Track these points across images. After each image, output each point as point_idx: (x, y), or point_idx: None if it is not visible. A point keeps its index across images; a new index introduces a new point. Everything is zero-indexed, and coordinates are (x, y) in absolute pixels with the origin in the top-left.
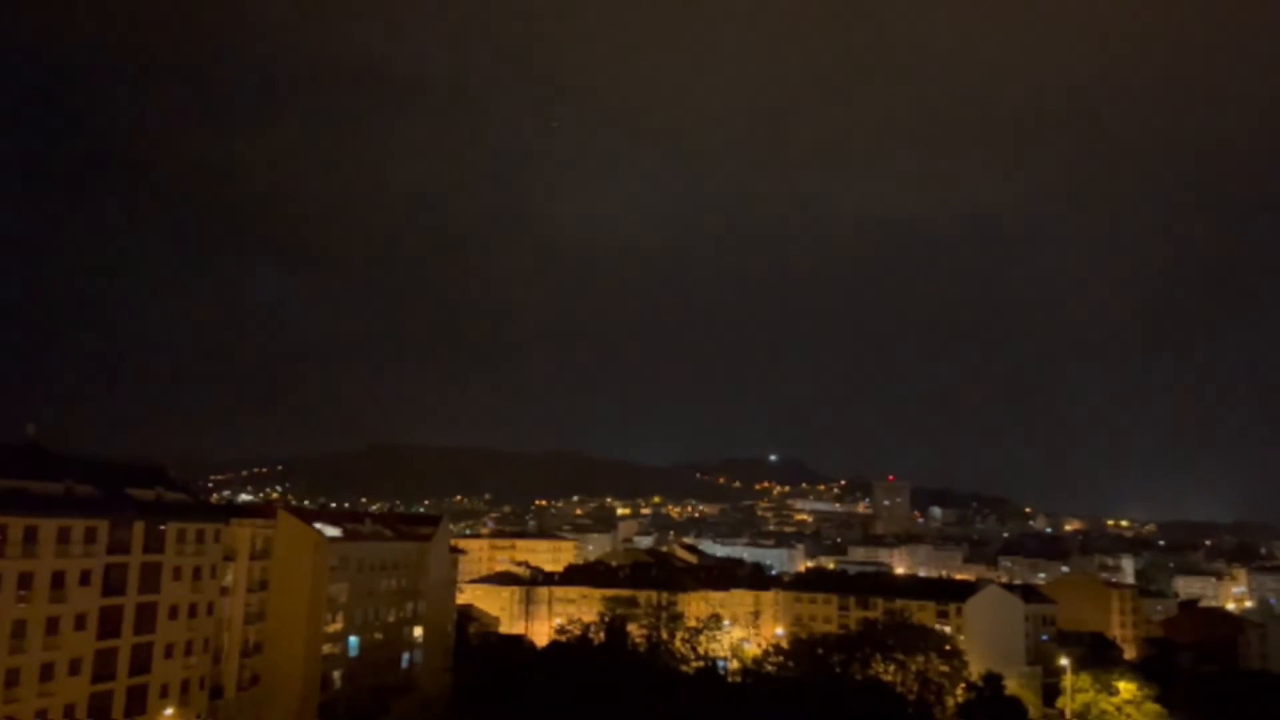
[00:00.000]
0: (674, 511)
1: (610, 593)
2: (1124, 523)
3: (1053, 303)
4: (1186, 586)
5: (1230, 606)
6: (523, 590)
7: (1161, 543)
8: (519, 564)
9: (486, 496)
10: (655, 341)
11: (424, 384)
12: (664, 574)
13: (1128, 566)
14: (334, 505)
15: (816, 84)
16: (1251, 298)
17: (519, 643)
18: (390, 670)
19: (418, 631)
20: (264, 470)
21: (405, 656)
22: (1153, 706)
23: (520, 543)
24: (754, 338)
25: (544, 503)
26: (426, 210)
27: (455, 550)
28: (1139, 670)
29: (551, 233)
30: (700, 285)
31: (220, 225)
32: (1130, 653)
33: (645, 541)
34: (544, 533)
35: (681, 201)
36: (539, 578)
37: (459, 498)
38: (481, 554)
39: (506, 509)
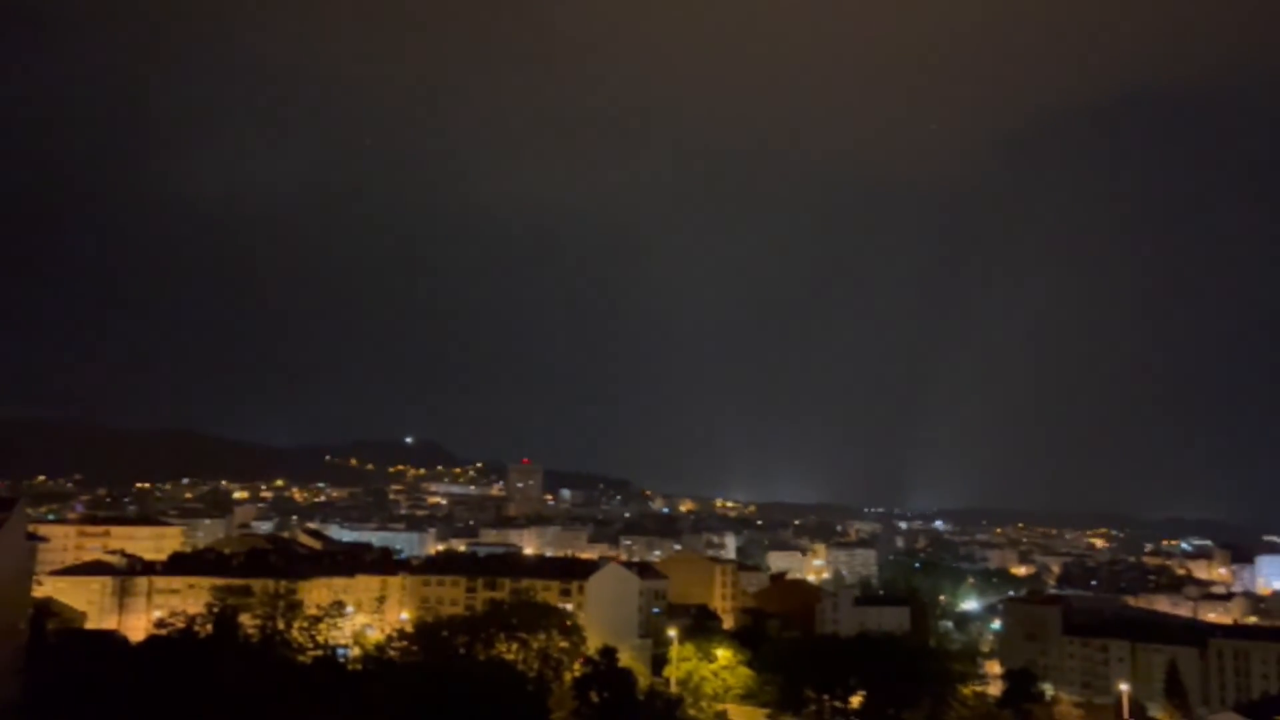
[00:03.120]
0: (299, 495)
1: (221, 582)
2: (730, 504)
3: (674, 298)
4: (777, 561)
5: (811, 578)
6: (117, 581)
7: (760, 522)
8: (114, 553)
9: (76, 477)
10: (280, 312)
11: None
12: (283, 561)
13: (731, 544)
14: None
15: (478, 69)
16: (845, 306)
17: (109, 639)
18: None
19: None
20: None
21: None
22: (745, 670)
23: (117, 529)
24: (392, 315)
25: (148, 485)
26: None
27: (35, 538)
28: (735, 638)
29: (153, 188)
30: (328, 255)
31: None
32: (729, 622)
33: (265, 527)
34: (146, 518)
35: (324, 170)
36: (138, 567)
37: (41, 478)
38: (68, 542)
39: (101, 492)
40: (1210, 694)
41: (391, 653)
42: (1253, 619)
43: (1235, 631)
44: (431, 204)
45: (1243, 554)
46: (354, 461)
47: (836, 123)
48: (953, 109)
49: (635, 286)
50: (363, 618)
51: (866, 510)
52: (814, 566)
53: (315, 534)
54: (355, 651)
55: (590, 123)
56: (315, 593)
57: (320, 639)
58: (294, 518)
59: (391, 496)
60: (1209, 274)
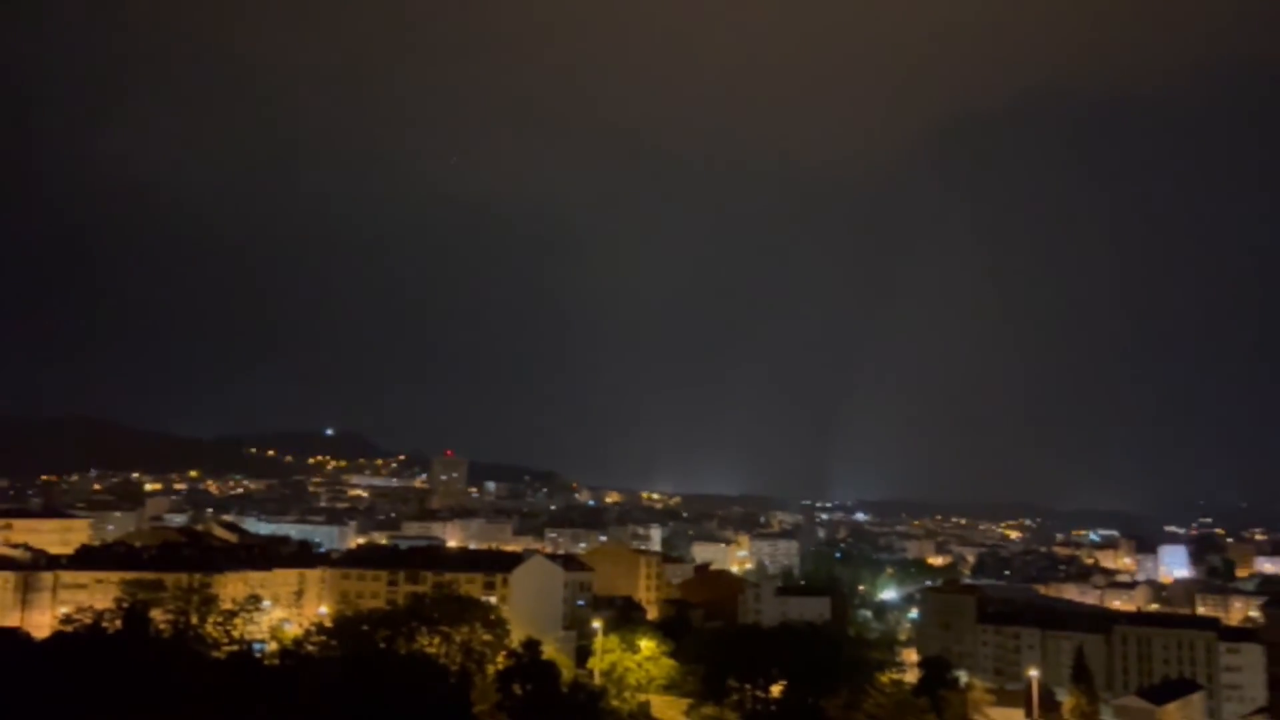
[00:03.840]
0: (215, 487)
1: (132, 576)
2: (656, 496)
3: (603, 291)
4: (702, 552)
5: (735, 569)
6: (20, 576)
7: (685, 514)
8: (17, 546)
9: None
10: (198, 301)
11: None
12: (197, 554)
13: (656, 535)
14: None
15: (413, 55)
16: (771, 301)
17: (12, 637)
18: None
19: None
20: None
21: None
22: (668, 661)
23: (19, 522)
24: (314, 305)
25: (53, 477)
26: None
27: None
28: (659, 629)
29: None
30: (248, 243)
31: None
32: (654, 613)
33: (179, 520)
34: (52, 511)
35: (245, 157)
36: (42, 562)
37: None
38: None
39: (3, 483)
40: (1115, 679)
41: (309, 647)
42: (1154, 606)
43: (1138, 619)
44: (357, 194)
45: (1147, 544)
46: (273, 453)
47: (766, 120)
48: (880, 108)
49: (564, 279)
50: (280, 612)
51: (789, 502)
52: (738, 557)
53: (231, 527)
54: (272, 647)
55: (524, 115)
56: (231, 587)
57: (236, 634)
58: (209, 510)
59: (311, 489)
60: (1122, 274)
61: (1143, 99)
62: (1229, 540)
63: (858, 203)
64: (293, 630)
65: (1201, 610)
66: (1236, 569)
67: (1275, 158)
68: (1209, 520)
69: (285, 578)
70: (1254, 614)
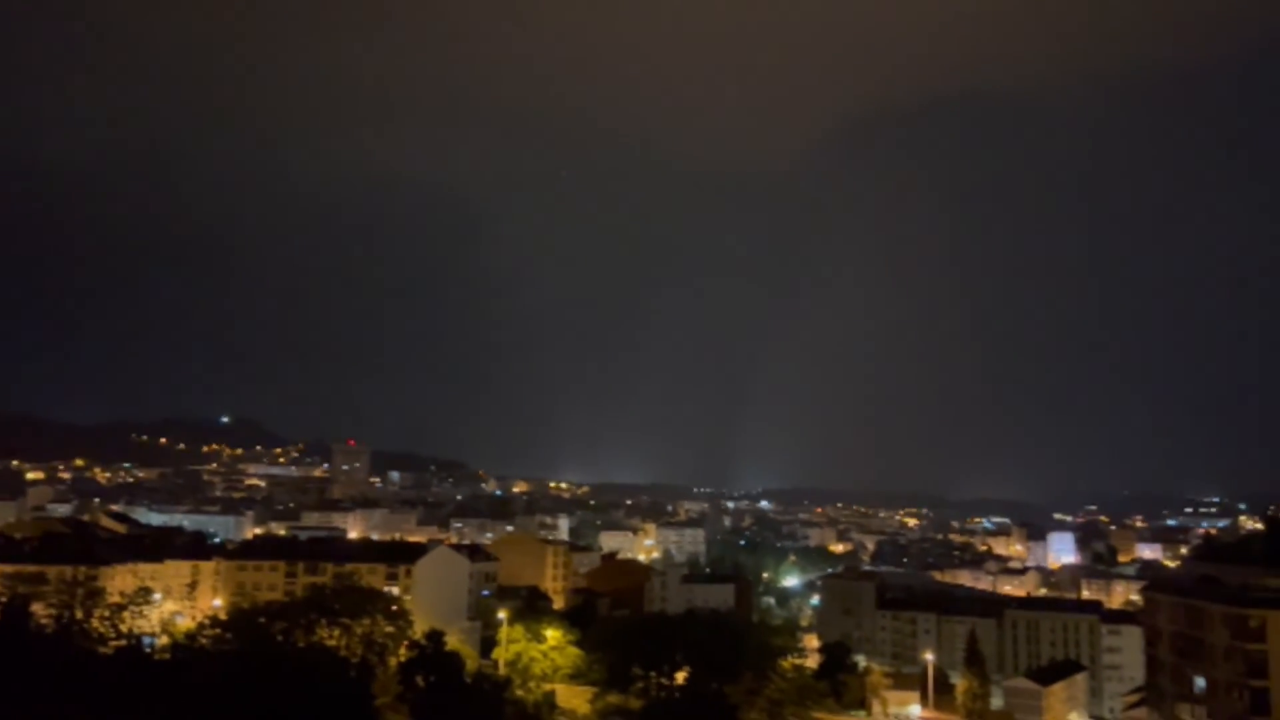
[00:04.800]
0: (102, 476)
1: (11, 569)
2: (564, 485)
3: (509, 279)
4: (610, 541)
5: (641, 558)
6: None
7: (593, 503)
8: None
9: None
10: (84, 279)
11: None
12: (83, 546)
13: (563, 525)
14: None
15: (303, 39)
16: (678, 289)
17: None
18: None
19: None
20: None
21: None
22: (574, 650)
23: None
24: (211, 286)
25: None
26: None
27: None
28: (566, 618)
29: None
30: (139, 221)
31: None
32: (560, 603)
33: (63, 510)
34: None
35: (134, 136)
36: None
37: None
38: None
39: None
40: (1006, 661)
41: (203, 641)
42: (1043, 591)
43: (1028, 603)
44: (256, 176)
45: (1037, 532)
46: (164, 441)
47: (670, 108)
48: (786, 101)
49: (471, 267)
50: (172, 605)
51: (696, 490)
52: (645, 546)
53: (120, 517)
54: (163, 641)
55: (425, 98)
56: (119, 579)
57: (124, 628)
58: (96, 500)
59: (206, 478)
60: (1014, 272)
61: (1038, 102)
62: (1112, 528)
63: (764, 196)
64: (185, 624)
65: (1086, 594)
66: (1119, 555)
67: (1166, 161)
68: (1094, 508)
69: (177, 569)
70: (1134, 597)
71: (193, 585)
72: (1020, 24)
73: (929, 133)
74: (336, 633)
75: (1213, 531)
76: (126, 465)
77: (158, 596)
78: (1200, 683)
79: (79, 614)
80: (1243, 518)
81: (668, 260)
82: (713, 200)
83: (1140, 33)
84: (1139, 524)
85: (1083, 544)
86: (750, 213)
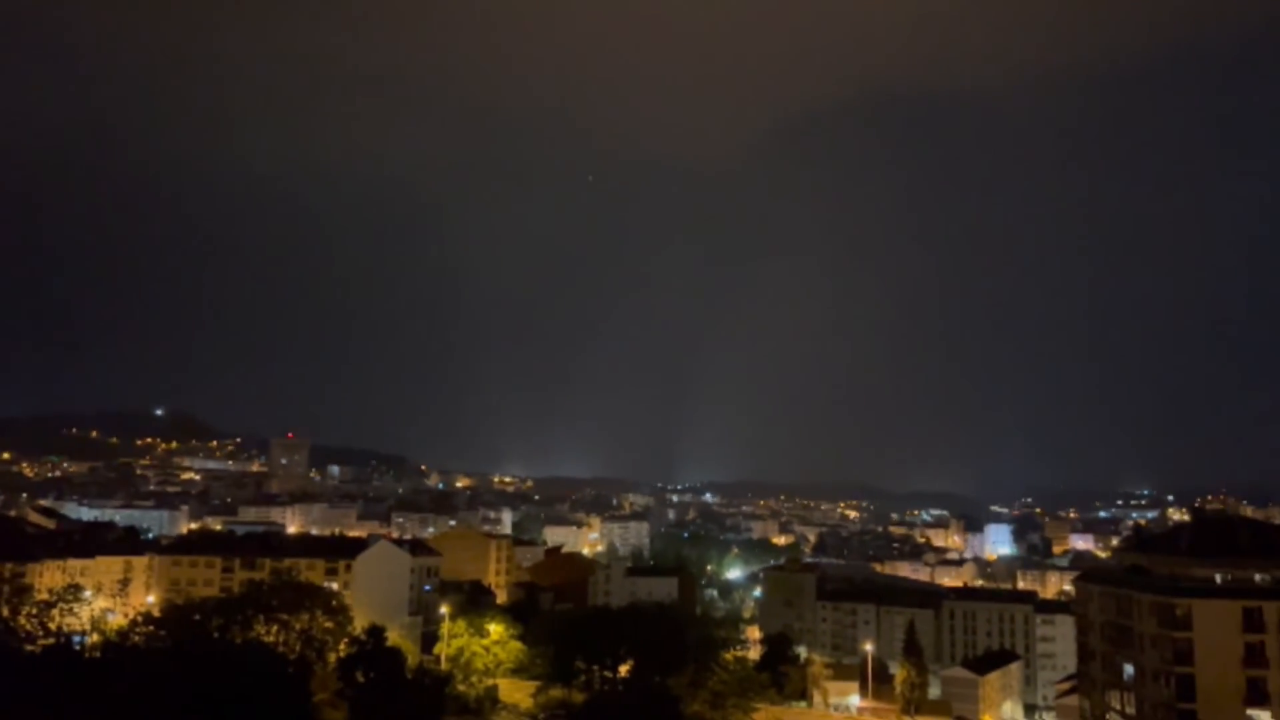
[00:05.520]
0: (29, 470)
1: None
2: (508, 479)
3: (452, 273)
4: (554, 535)
5: (586, 551)
6: None
7: (537, 497)
8: None
9: None
10: (7, 265)
11: None
12: (9, 541)
13: (507, 519)
14: None
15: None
16: (622, 285)
17: None
18: None
19: None
20: None
21: None
22: (516, 644)
23: None
24: (144, 274)
25: None
26: None
27: None
28: (508, 612)
29: None
30: (77, 208)
31: None
32: (503, 597)
33: None
34: None
35: (79, 124)
36: None
37: None
38: None
39: None
40: (944, 650)
41: (136, 639)
42: (980, 582)
43: (965, 594)
44: (196, 166)
45: (974, 524)
46: (96, 434)
47: (617, 103)
48: (732, 95)
49: (413, 260)
50: (104, 602)
51: (641, 484)
52: (589, 540)
53: (48, 512)
54: (94, 639)
55: (368, 89)
56: (47, 576)
57: (53, 626)
58: (23, 495)
59: (139, 472)
60: (945, 269)
61: (962, 101)
62: (1047, 519)
63: (704, 194)
64: (117, 621)
65: (1022, 585)
66: (1053, 546)
67: (1086, 159)
68: (1029, 501)
69: (109, 565)
70: (1068, 587)
71: (125, 582)
72: (967, 23)
73: (853, 134)
74: (274, 629)
75: (1143, 523)
76: (55, 459)
77: (88, 593)
78: (1129, 670)
79: (5, 612)
80: (1171, 510)
81: (613, 259)
82: (662, 197)
83: (1058, 35)
84: (1072, 516)
85: (1018, 535)
86: (694, 209)
